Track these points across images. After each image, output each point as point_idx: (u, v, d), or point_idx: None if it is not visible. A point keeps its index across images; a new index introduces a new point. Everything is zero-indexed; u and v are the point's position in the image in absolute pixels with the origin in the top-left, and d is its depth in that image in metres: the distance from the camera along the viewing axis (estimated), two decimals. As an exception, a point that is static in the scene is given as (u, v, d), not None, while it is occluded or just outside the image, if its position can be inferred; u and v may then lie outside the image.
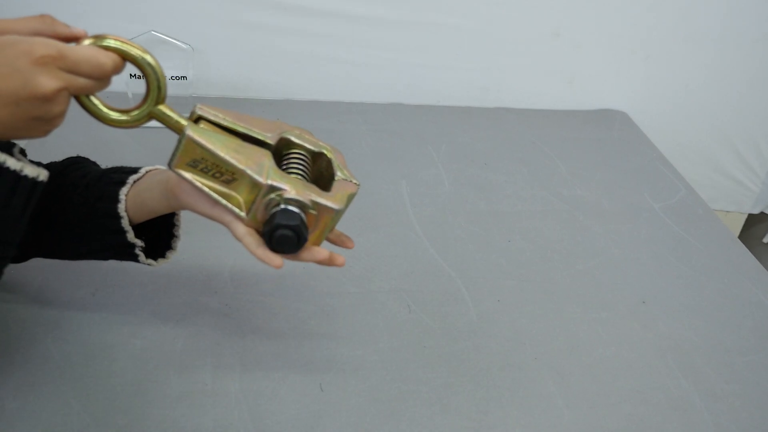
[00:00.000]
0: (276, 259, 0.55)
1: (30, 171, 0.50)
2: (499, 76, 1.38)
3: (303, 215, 0.54)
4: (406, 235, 0.95)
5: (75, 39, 0.49)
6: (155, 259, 0.68)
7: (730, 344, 0.82)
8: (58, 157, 0.69)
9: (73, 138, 0.90)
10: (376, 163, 1.12)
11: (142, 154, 1.02)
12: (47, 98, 0.45)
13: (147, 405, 0.65)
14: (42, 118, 0.47)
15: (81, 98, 0.50)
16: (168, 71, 1.17)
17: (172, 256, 0.69)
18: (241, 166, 0.53)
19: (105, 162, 0.71)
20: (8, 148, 0.50)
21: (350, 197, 0.57)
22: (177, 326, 0.74)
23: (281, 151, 0.59)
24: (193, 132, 0.53)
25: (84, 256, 0.68)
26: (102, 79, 0.49)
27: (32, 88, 0.45)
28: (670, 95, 1.44)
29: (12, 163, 0.48)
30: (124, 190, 0.62)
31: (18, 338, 0.70)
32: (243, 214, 0.55)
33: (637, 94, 1.44)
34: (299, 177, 0.56)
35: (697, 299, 0.89)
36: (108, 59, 0.48)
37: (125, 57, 0.50)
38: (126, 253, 0.66)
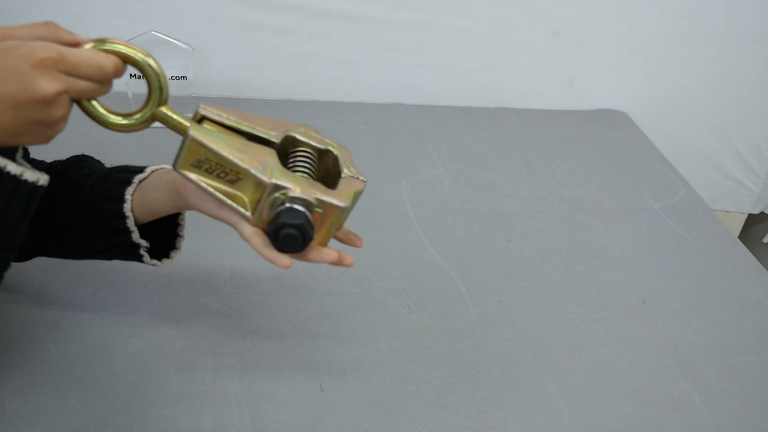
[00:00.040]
0: (283, 259, 0.55)
1: (30, 175, 0.50)
2: (499, 76, 1.38)
3: (308, 214, 0.53)
4: (406, 235, 0.95)
5: (78, 45, 0.48)
6: (159, 259, 0.68)
7: (730, 344, 0.82)
8: (60, 157, 0.69)
9: (73, 138, 0.90)
10: (376, 163, 1.12)
11: (142, 153, 1.02)
12: (47, 101, 0.45)
13: (147, 405, 0.65)
14: (43, 122, 0.46)
15: (83, 103, 0.50)
16: (168, 71, 1.16)
17: (177, 257, 0.69)
18: (244, 166, 0.53)
19: (105, 162, 0.71)
20: (11, 152, 0.50)
21: (357, 194, 0.57)
22: (177, 326, 0.74)
23: (287, 150, 0.59)
24: (196, 132, 0.52)
25: (88, 256, 0.68)
26: (103, 81, 0.48)
27: (32, 91, 0.44)
28: (670, 95, 1.44)
29: (13, 167, 0.48)
30: (129, 190, 0.62)
31: (18, 338, 0.70)
32: (248, 213, 0.55)
33: (637, 94, 1.44)
34: (305, 175, 0.56)
35: (697, 299, 0.89)
36: (108, 61, 0.48)
37: (126, 59, 0.49)
38: (130, 253, 0.65)
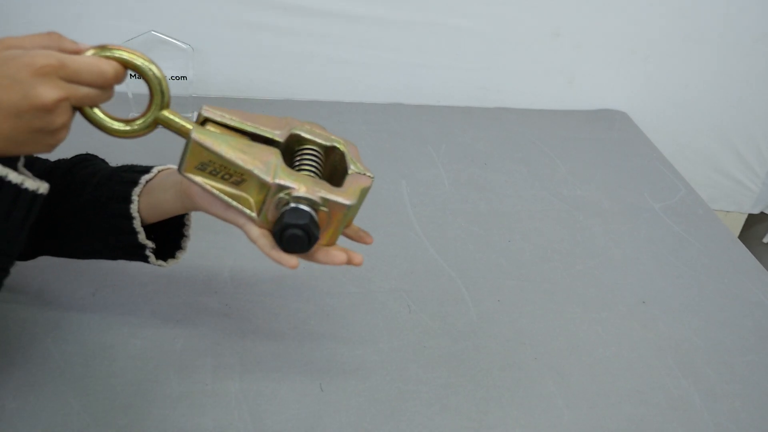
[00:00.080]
0: (291, 259, 0.54)
1: (31, 184, 0.50)
2: (499, 76, 1.38)
3: (313, 213, 0.52)
4: (406, 235, 0.95)
5: (80, 53, 0.48)
6: (165, 259, 0.67)
7: (730, 344, 0.82)
8: (64, 155, 0.69)
9: (76, 137, 0.90)
10: (376, 163, 1.12)
11: (142, 153, 1.02)
12: (48, 109, 0.45)
13: (147, 405, 0.65)
14: (44, 129, 0.46)
15: (85, 110, 0.50)
16: (168, 71, 1.17)
17: (182, 257, 0.69)
18: (247, 167, 0.52)
19: (109, 161, 0.71)
20: (13, 161, 0.50)
21: (363, 191, 0.56)
22: (177, 326, 0.74)
23: (293, 148, 0.58)
24: (198, 135, 0.52)
25: (92, 255, 0.68)
26: (104, 87, 0.48)
27: (32, 99, 0.44)
28: (670, 95, 1.44)
29: (14, 176, 0.49)
30: (136, 191, 0.62)
31: (18, 338, 0.70)
32: (254, 215, 0.54)
33: (637, 94, 1.44)
34: (310, 173, 0.55)
35: (697, 299, 0.89)
36: (109, 67, 0.48)
37: (127, 65, 0.50)
38: (136, 254, 0.65)
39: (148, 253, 0.65)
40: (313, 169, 0.56)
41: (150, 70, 0.51)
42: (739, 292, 0.92)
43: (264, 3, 1.23)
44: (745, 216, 1.63)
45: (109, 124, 0.52)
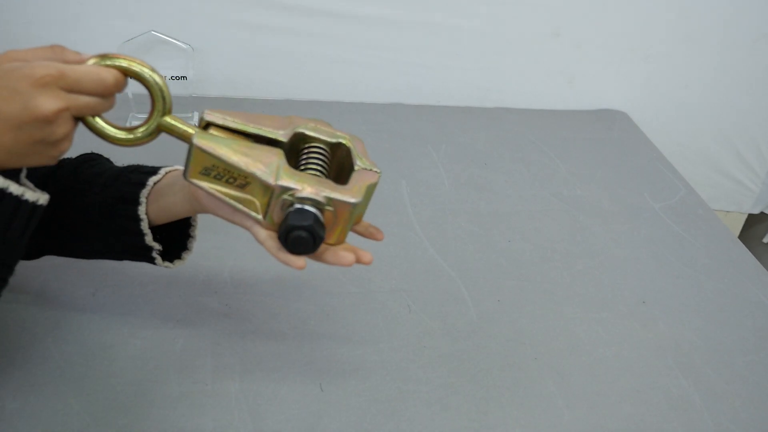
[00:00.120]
0: (297, 261, 0.53)
1: (31, 195, 0.50)
2: (499, 76, 1.38)
3: (318, 213, 0.52)
4: (406, 235, 0.95)
5: (83, 63, 0.49)
6: (171, 261, 0.67)
7: (730, 344, 0.82)
8: (67, 154, 0.69)
9: (76, 137, 0.90)
10: (376, 163, 1.12)
11: (144, 151, 1.02)
12: (48, 119, 0.45)
13: (147, 405, 0.65)
14: (45, 141, 0.46)
15: (87, 120, 0.50)
16: (168, 71, 1.18)
17: (188, 257, 0.69)
18: (250, 170, 0.52)
19: (113, 159, 0.71)
20: (15, 172, 0.51)
21: (370, 188, 0.55)
22: (177, 326, 0.74)
23: (298, 147, 0.58)
24: (199, 140, 0.52)
25: (98, 255, 0.68)
26: (105, 95, 0.48)
27: (33, 110, 0.44)
28: (670, 95, 1.44)
29: (14, 188, 0.49)
30: (144, 193, 0.62)
31: (18, 338, 0.70)
32: (260, 217, 0.54)
33: (637, 94, 1.44)
34: (315, 173, 0.55)
35: (697, 299, 0.89)
36: (109, 75, 0.48)
37: (126, 72, 0.50)
38: (142, 255, 0.65)
39: (154, 254, 0.64)
40: (319, 167, 0.56)
41: (150, 76, 0.51)
42: (739, 292, 0.92)
43: (264, 3, 1.23)
44: (745, 216, 1.63)
45: (112, 133, 0.52)
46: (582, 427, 0.69)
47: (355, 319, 0.79)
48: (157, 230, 0.65)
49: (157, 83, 0.51)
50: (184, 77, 1.18)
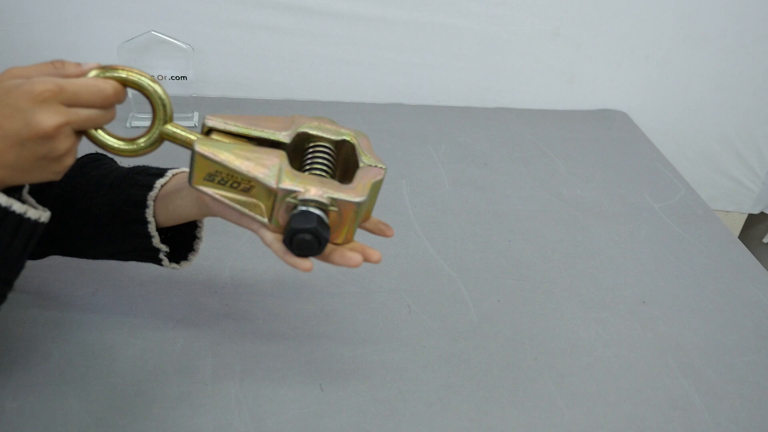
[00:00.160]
0: (304, 263, 0.53)
1: (33, 213, 0.50)
2: (499, 76, 1.38)
3: (322, 215, 0.52)
4: (406, 235, 0.95)
5: (84, 74, 0.49)
6: (178, 262, 0.67)
7: (730, 344, 0.82)
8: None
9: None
10: (376, 163, 1.12)
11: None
12: (49, 135, 0.45)
13: (147, 405, 0.65)
14: (48, 156, 0.47)
15: (89, 133, 0.51)
16: (168, 71, 1.18)
17: (194, 258, 0.69)
18: (251, 174, 0.52)
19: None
20: (18, 188, 0.51)
21: (375, 185, 0.55)
22: (177, 326, 0.74)
23: (303, 146, 0.57)
24: (201, 146, 0.52)
25: (104, 257, 0.68)
26: (105, 106, 0.49)
27: (33, 127, 0.45)
28: (670, 95, 1.44)
29: (17, 206, 0.49)
30: (151, 195, 0.62)
31: (18, 338, 0.70)
32: (266, 220, 0.54)
33: (637, 94, 1.44)
34: (320, 172, 0.55)
35: (697, 299, 0.89)
36: (108, 86, 0.48)
37: (125, 83, 0.50)
38: (149, 257, 0.65)
39: (161, 256, 0.65)
40: (324, 166, 0.55)
41: (150, 86, 0.51)
42: (739, 292, 0.92)
43: (264, 3, 1.23)
44: (745, 216, 1.63)
45: (115, 145, 0.52)
46: (582, 427, 0.69)
47: (355, 319, 0.79)
48: (164, 231, 0.65)
49: (157, 92, 0.52)
50: (184, 77, 1.18)
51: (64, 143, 0.47)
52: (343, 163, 0.59)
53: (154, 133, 0.53)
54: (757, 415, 0.72)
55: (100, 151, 0.53)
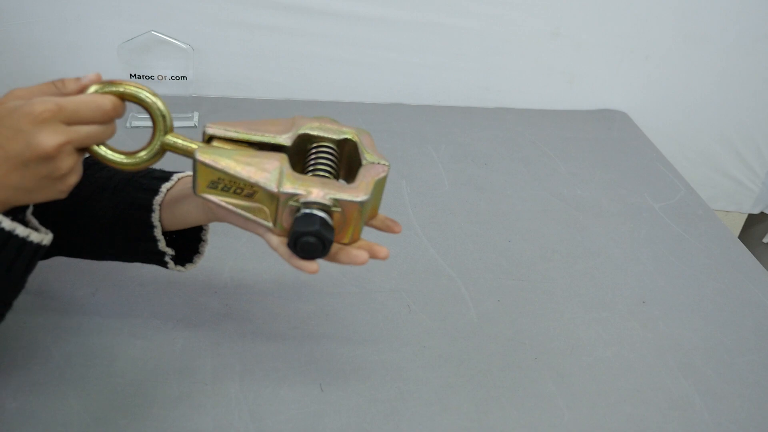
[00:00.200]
0: (311, 265, 0.53)
1: (36, 237, 0.51)
2: (499, 76, 1.38)
3: (325, 216, 0.51)
4: (406, 235, 0.95)
5: (85, 88, 0.49)
6: (183, 265, 0.67)
7: (730, 344, 0.82)
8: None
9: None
10: (376, 163, 1.12)
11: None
12: (51, 155, 0.46)
13: (147, 405, 0.65)
14: (51, 176, 0.47)
15: (91, 149, 0.51)
16: (168, 71, 1.18)
17: (200, 261, 0.69)
18: (252, 179, 0.52)
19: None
20: (21, 208, 0.52)
21: (378, 182, 0.55)
22: (177, 326, 0.74)
23: (305, 147, 0.57)
24: (201, 155, 0.52)
25: (108, 258, 0.68)
26: (105, 122, 0.49)
27: (35, 147, 0.45)
28: (670, 95, 1.44)
29: (21, 230, 0.50)
30: (158, 200, 0.62)
31: (18, 338, 0.70)
32: (271, 224, 0.54)
33: (637, 94, 1.44)
34: (324, 173, 0.55)
35: (697, 299, 0.89)
36: (106, 101, 0.48)
37: (124, 97, 0.51)
38: (155, 259, 0.65)
39: (167, 259, 0.65)
40: (327, 167, 0.55)
41: (149, 98, 0.51)
42: (739, 292, 0.92)
43: (264, 3, 1.23)
44: (745, 216, 1.63)
45: (117, 159, 0.53)
46: (582, 427, 0.69)
47: (355, 319, 0.79)
48: (168, 233, 0.65)
49: (156, 105, 0.52)
50: (184, 77, 1.18)
51: (66, 162, 0.47)
52: (346, 161, 0.59)
53: (156, 145, 0.53)
54: (757, 415, 0.72)
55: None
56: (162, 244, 0.63)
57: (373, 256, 0.56)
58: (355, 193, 0.53)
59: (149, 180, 0.63)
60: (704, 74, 1.41)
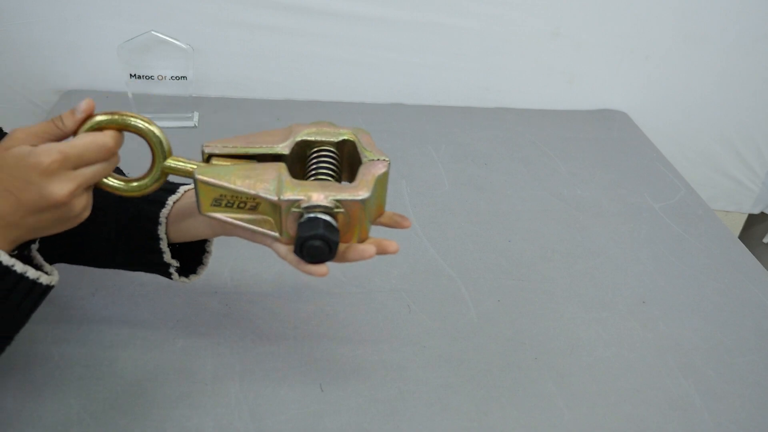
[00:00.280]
0: (319, 269, 0.53)
1: (45, 279, 0.52)
2: (499, 76, 1.38)
3: (329, 218, 0.52)
4: (406, 235, 0.95)
5: (85, 120, 0.51)
6: (187, 276, 0.67)
7: (730, 344, 0.82)
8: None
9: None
10: (376, 163, 1.12)
11: (142, 152, 1.02)
12: (64, 203, 0.48)
13: (147, 405, 0.65)
14: (65, 217, 0.50)
15: (99, 183, 0.53)
16: (168, 71, 1.18)
17: (203, 272, 0.69)
18: (252, 192, 0.52)
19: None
20: (27, 244, 0.53)
21: (379, 178, 0.55)
22: (177, 326, 0.74)
23: (305, 154, 0.58)
24: (200, 174, 0.53)
25: (112, 267, 0.68)
26: (108, 158, 0.51)
27: (47, 198, 0.47)
28: (670, 95, 1.44)
29: (32, 273, 0.51)
30: (164, 212, 0.62)
31: (18, 338, 0.70)
32: (277, 234, 0.54)
33: (637, 94, 1.44)
34: (326, 177, 0.55)
35: (697, 299, 0.89)
36: (107, 138, 0.50)
37: (120, 128, 0.52)
38: (159, 270, 0.65)
39: (171, 270, 0.65)
40: (328, 170, 0.56)
41: (145, 127, 0.53)
42: (739, 292, 0.92)
43: (264, 3, 1.23)
44: (745, 216, 1.63)
45: (123, 187, 0.55)
46: (582, 427, 0.69)
47: (355, 319, 0.79)
48: (172, 243, 0.65)
49: (153, 132, 0.53)
50: (184, 77, 1.18)
51: (79, 203, 0.50)
52: (347, 162, 0.59)
53: (157, 172, 0.55)
54: (757, 415, 0.72)
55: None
56: (167, 256, 0.63)
57: (383, 251, 0.56)
58: (356, 191, 0.53)
59: (155, 192, 0.63)
60: (704, 74, 1.41)
